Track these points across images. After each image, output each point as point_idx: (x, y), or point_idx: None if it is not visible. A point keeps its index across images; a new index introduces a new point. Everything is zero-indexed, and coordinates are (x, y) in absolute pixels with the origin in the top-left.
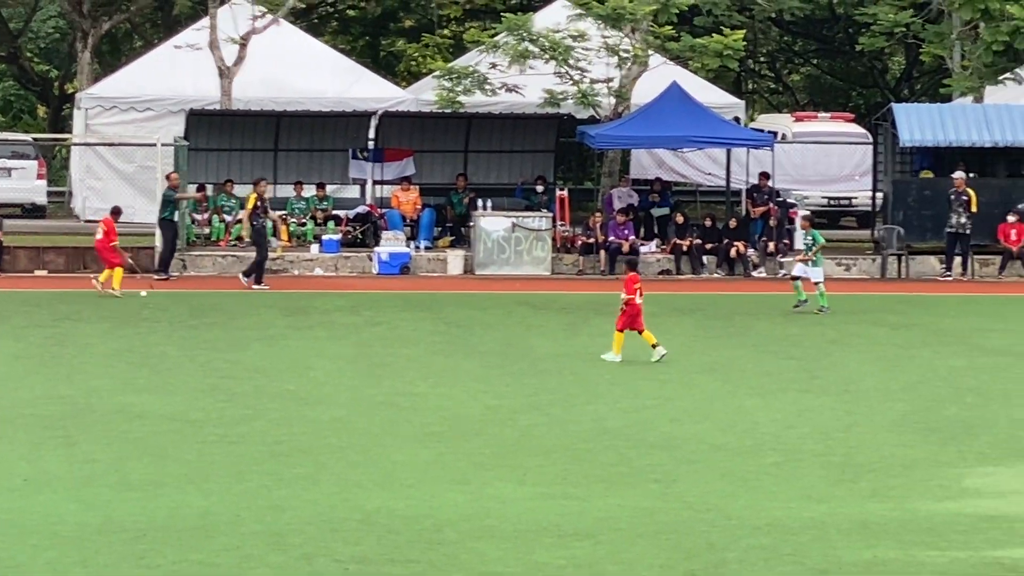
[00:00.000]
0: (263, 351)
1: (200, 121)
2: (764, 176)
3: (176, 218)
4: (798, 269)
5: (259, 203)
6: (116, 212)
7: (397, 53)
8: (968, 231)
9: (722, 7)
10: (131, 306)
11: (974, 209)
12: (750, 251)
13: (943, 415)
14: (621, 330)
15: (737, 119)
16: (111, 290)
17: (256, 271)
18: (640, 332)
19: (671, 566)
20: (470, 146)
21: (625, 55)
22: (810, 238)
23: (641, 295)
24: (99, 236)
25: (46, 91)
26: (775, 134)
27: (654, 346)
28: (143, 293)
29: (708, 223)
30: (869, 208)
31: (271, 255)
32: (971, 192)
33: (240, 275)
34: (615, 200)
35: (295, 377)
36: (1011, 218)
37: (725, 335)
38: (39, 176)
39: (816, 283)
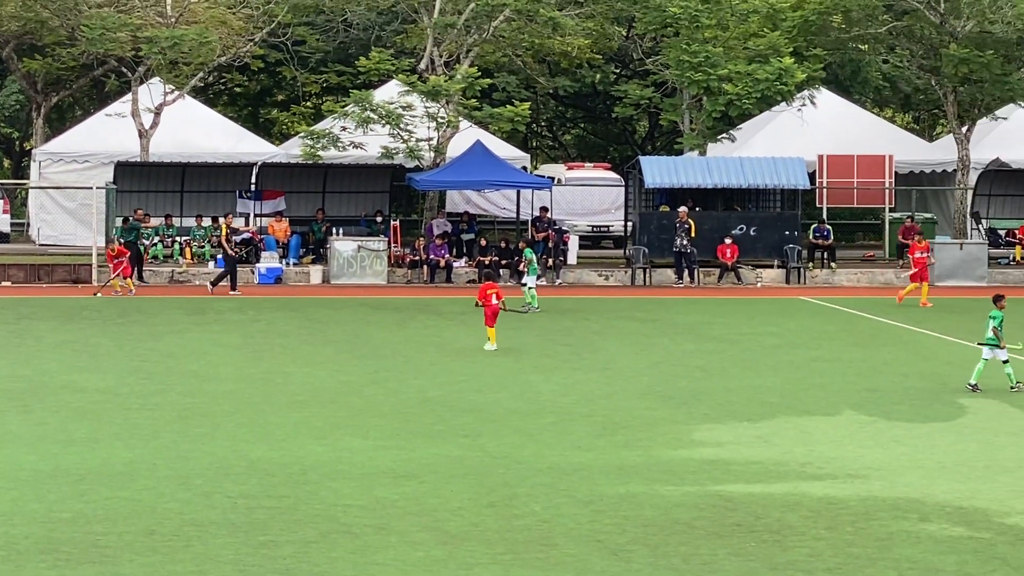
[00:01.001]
0: (173, 341)
1: (125, 170)
2: (543, 210)
3: (136, 240)
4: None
5: (228, 230)
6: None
7: (272, 119)
8: (689, 250)
9: (512, 85)
10: (74, 307)
11: (693, 234)
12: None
13: (677, 386)
14: (490, 326)
15: (525, 168)
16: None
17: (227, 280)
18: (490, 326)
19: (476, 499)
20: (327, 188)
21: (442, 121)
22: (527, 255)
23: (499, 298)
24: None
25: (10, 148)
26: (553, 179)
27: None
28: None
29: (503, 245)
30: (622, 233)
31: (178, 269)
32: (691, 222)
33: (208, 284)
34: (434, 228)
35: (197, 360)
36: (727, 240)
37: (510, 328)
38: (4, 211)
39: (528, 288)
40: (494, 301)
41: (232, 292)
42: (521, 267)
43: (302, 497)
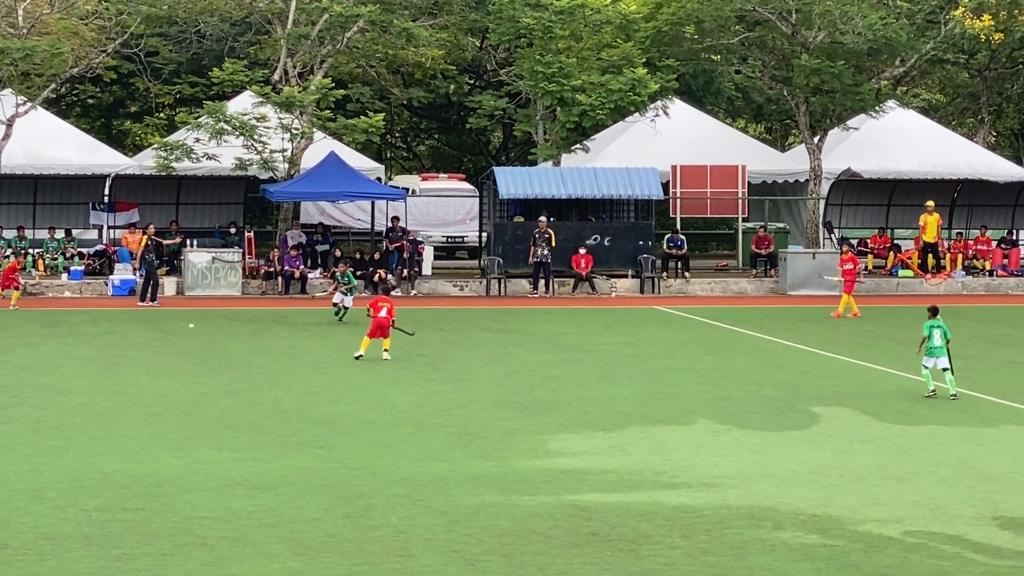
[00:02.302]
0: (26, 353)
1: None
2: (396, 220)
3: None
4: (337, 298)
5: (149, 242)
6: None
7: (125, 131)
8: (549, 260)
9: (366, 96)
10: None
11: (553, 244)
12: (389, 276)
13: (533, 396)
14: (370, 336)
15: (379, 179)
16: None
17: (150, 292)
18: (385, 338)
19: (332, 510)
20: (181, 199)
21: (295, 132)
22: (345, 278)
23: (391, 313)
24: None
25: None
26: (407, 190)
27: (385, 350)
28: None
29: (358, 255)
30: (477, 243)
31: (31, 281)
32: (551, 232)
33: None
34: (289, 239)
35: (50, 373)
36: (581, 251)
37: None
38: None
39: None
40: (382, 314)
41: (151, 303)
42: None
43: (157, 510)
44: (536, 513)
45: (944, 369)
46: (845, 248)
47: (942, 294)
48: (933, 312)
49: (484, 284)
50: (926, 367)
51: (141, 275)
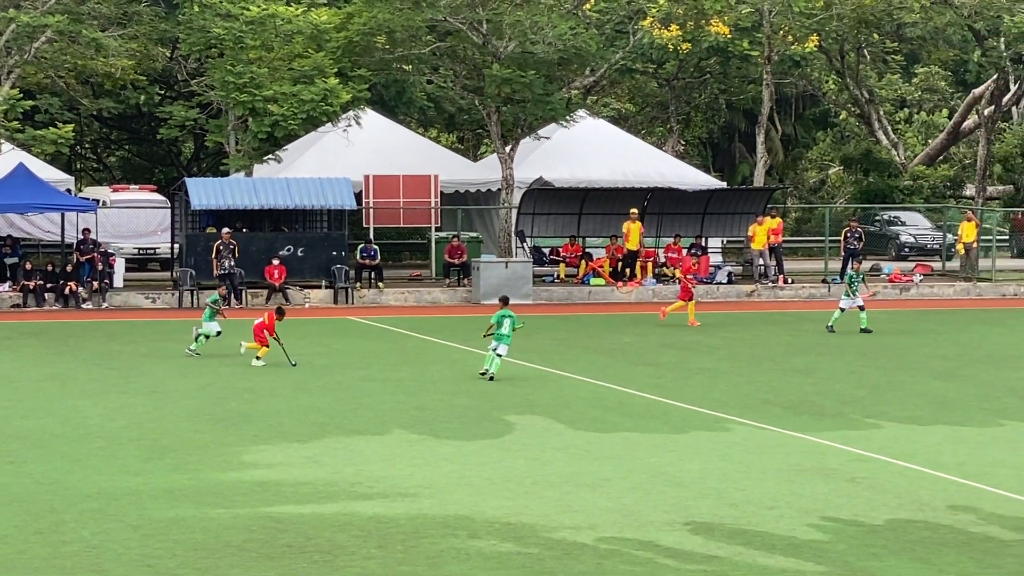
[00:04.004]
0: None
1: None
2: (86, 232)
3: None
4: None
5: None
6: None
7: None
8: (235, 271)
9: (56, 107)
10: None
11: (236, 255)
12: (80, 289)
13: (226, 408)
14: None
15: (69, 190)
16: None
17: None
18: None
19: (23, 526)
20: None
21: None
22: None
23: (271, 332)
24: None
25: None
26: (98, 201)
27: (258, 357)
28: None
29: (49, 268)
30: (170, 255)
31: None
32: (235, 243)
33: None
34: None
35: None
36: (275, 261)
37: (56, 353)
38: None
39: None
40: (260, 324)
41: None
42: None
43: None
44: (231, 526)
45: (498, 354)
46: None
47: (633, 302)
48: (504, 302)
49: (177, 296)
50: (492, 350)
51: None
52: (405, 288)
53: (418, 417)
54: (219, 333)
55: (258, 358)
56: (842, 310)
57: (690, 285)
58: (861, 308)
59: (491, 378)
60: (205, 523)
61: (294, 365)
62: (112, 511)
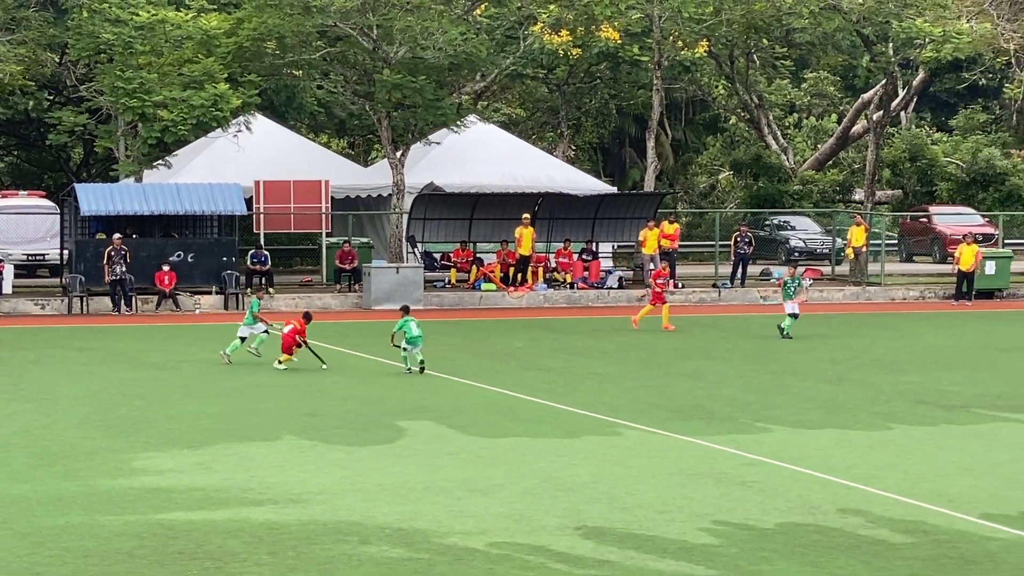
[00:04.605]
0: None
1: None
2: None
3: None
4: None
5: None
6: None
7: None
8: (127, 277)
9: None
10: None
11: (128, 261)
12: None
13: (117, 414)
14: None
15: None
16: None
17: None
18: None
19: None
20: None
21: None
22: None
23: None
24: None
25: None
26: None
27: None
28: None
29: None
30: (59, 261)
31: None
32: (127, 249)
33: None
34: None
35: None
36: (165, 267)
37: None
38: None
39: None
40: (292, 332)
41: None
42: None
43: None
44: (121, 533)
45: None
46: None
47: (524, 307)
48: (405, 311)
49: (66, 302)
50: (405, 350)
51: None
52: (296, 294)
53: (309, 423)
54: (243, 340)
55: (280, 362)
56: (794, 316)
57: (660, 289)
58: (792, 315)
59: (422, 368)
60: (95, 530)
61: (325, 368)
62: (1, 519)
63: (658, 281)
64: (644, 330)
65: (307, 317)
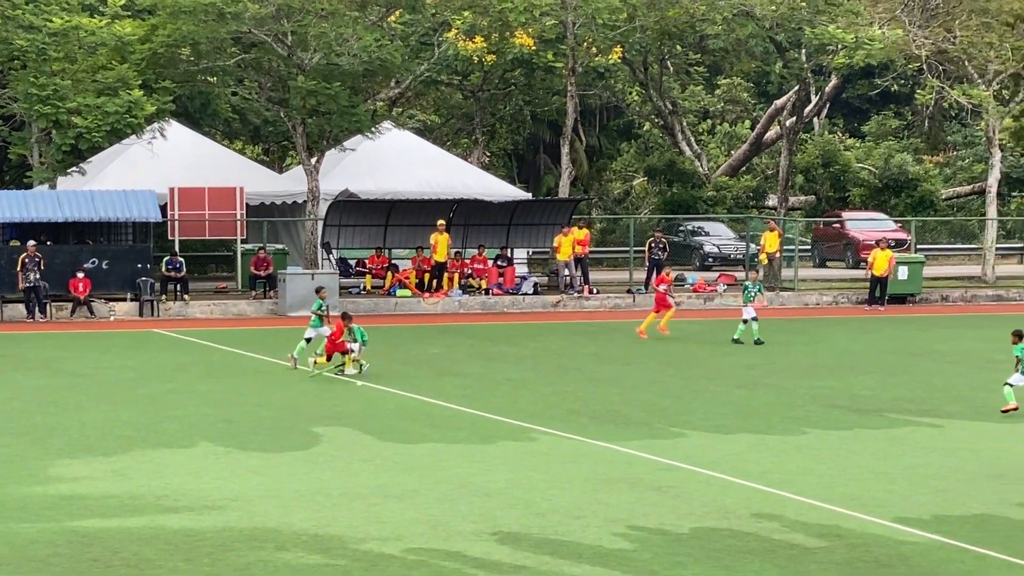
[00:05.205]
0: None
1: None
2: None
3: None
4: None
5: None
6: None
7: None
8: (39, 284)
9: None
10: None
11: (43, 268)
12: None
13: (31, 422)
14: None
15: None
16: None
17: None
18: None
19: None
20: None
21: None
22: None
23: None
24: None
25: None
26: None
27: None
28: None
29: None
30: None
31: None
32: (40, 256)
33: None
34: None
35: None
36: (79, 274)
37: None
38: None
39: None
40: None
41: None
42: None
43: None
44: (35, 540)
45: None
46: (667, 271)
47: (439, 313)
48: (346, 318)
49: None
50: (350, 351)
51: None
52: (211, 300)
53: (225, 430)
54: (309, 340)
55: (341, 368)
56: (755, 319)
57: (665, 295)
58: (748, 320)
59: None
60: (9, 538)
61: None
62: None
63: (660, 288)
64: (558, 335)
65: (347, 318)
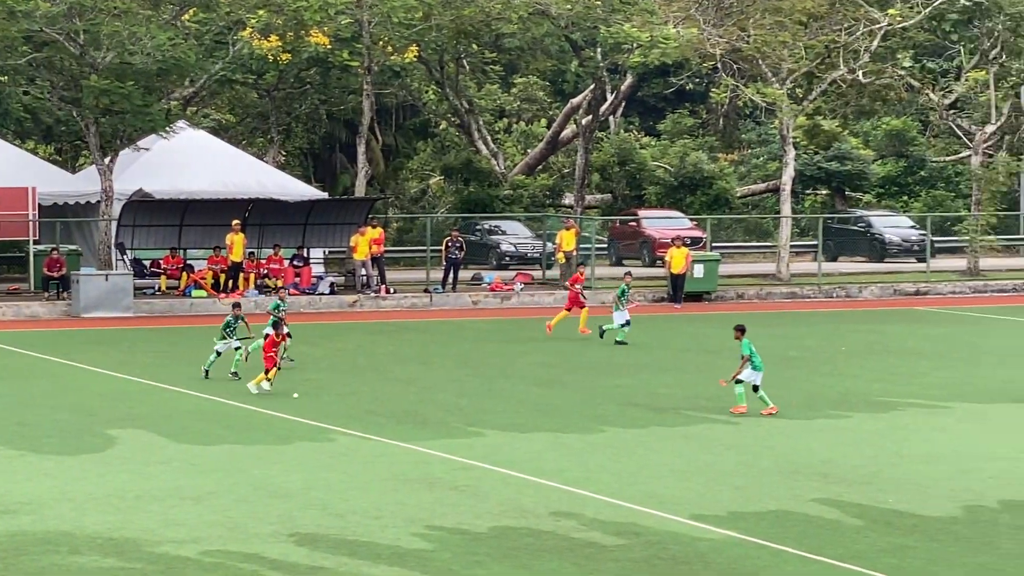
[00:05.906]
0: None
1: None
2: None
3: None
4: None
5: None
6: None
7: None
8: None
9: None
10: None
11: None
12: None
13: None
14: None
15: None
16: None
17: None
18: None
19: None
20: None
21: None
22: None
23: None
24: None
25: None
26: None
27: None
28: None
29: None
30: None
31: None
32: None
33: None
34: None
35: None
36: None
37: None
38: None
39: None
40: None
41: None
42: None
43: None
44: None
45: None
46: (580, 268)
47: None
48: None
49: None
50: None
51: None
52: (3, 302)
53: (18, 432)
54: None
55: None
56: (628, 323)
57: (579, 295)
58: (624, 324)
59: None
60: None
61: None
62: None
63: (575, 287)
64: (355, 335)
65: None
